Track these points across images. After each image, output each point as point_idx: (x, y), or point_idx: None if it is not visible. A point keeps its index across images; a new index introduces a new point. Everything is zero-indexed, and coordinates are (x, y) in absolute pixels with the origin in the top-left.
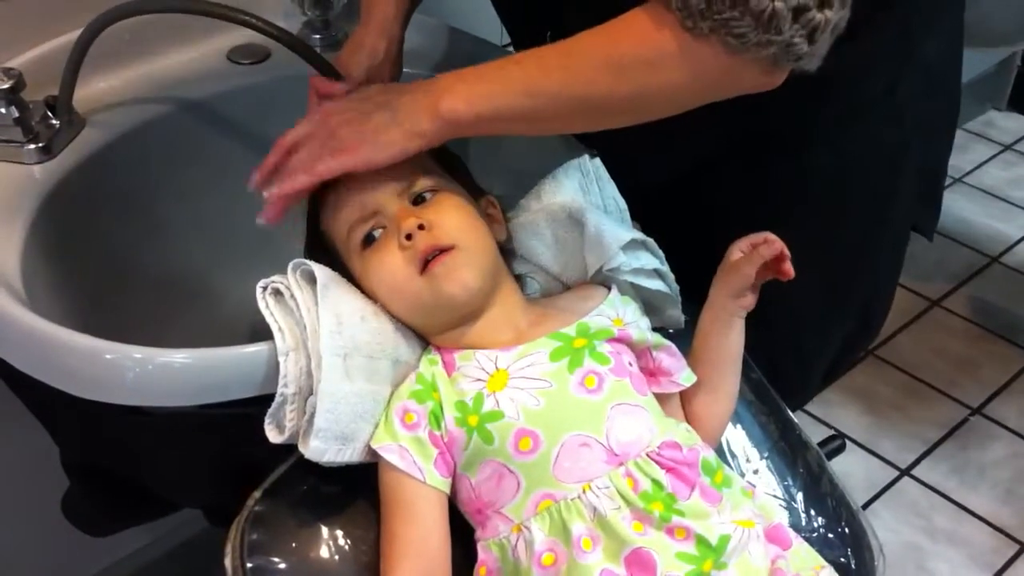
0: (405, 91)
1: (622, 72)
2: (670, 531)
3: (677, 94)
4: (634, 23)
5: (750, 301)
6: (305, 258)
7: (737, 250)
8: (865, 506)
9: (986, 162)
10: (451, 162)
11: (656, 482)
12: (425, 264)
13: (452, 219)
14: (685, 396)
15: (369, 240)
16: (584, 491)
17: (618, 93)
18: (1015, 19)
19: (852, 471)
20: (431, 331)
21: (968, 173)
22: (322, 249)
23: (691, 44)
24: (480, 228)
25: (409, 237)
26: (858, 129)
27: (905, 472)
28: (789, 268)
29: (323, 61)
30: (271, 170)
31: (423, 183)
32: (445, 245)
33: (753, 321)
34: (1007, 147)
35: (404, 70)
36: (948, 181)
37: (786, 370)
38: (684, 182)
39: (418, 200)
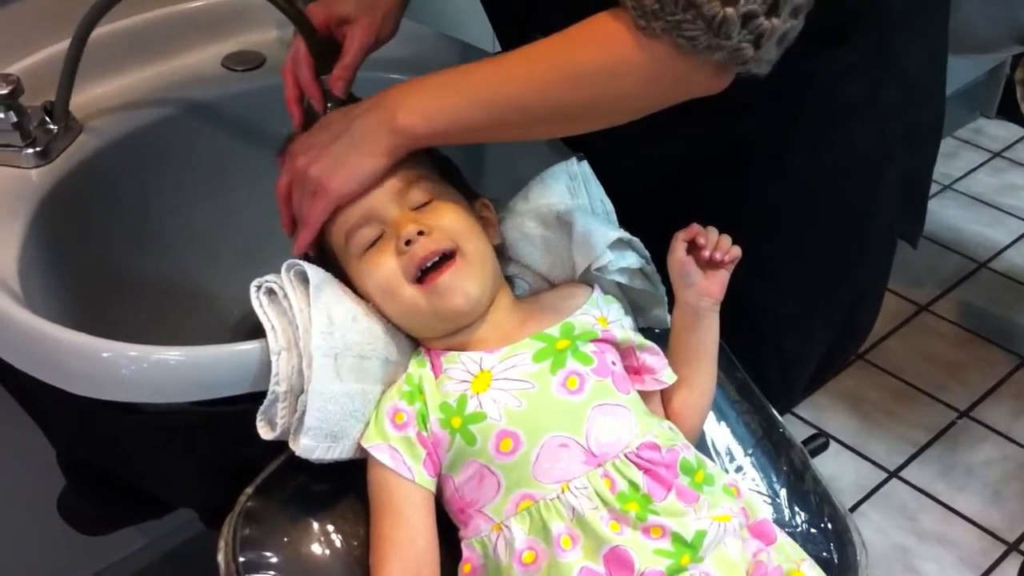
0: (360, 112)
1: (577, 78)
2: (646, 530)
3: (632, 97)
4: (591, 27)
5: (707, 290)
6: (300, 259)
7: (675, 243)
8: (854, 508)
9: (975, 169)
10: (445, 165)
11: (633, 483)
12: (424, 272)
13: (451, 224)
14: (665, 393)
15: (368, 246)
16: (563, 491)
17: (574, 99)
18: (1000, 26)
19: (841, 473)
20: (424, 336)
21: (957, 180)
22: (318, 251)
23: (644, 44)
24: (479, 233)
25: (408, 243)
26: (838, 135)
27: (894, 474)
28: (717, 255)
29: (311, 34)
30: (290, 222)
31: (421, 188)
32: (445, 249)
33: (737, 326)
34: (996, 154)
35: (392, 76)
36: (937, 188)
37: (770, 375)
38: (666, 186)
39: (416, 205)
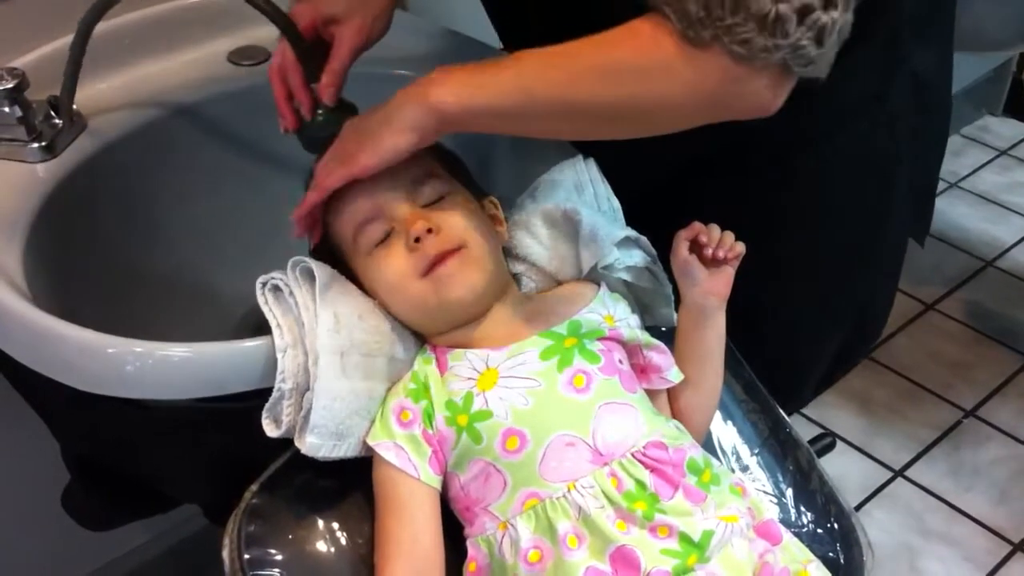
0: (400, 91)
1: (614, 78)
2: (653, 529)
3: (674, 107)
4: (634, 31)
5: (712, 289)
6: (310, 257)
7: (677, 242)
8: (860, 507)
9: (982, 167)
10: (454, 163)
11: (639, 482)
12: (432, 267)
13: (460, 222)
14: (671, 392)
15: (377, 243)
16: (569, 490)
17: (607, 99)
18: (1009, 24)
19: (847, 472)
20: (431, 332)
21: (964, 178)
22: (326, 248)
23: (693, 54)
24: (487, 231)
25: (418, 240)
26: (847, 136)
27: (899, 473)
28: (720, 252)
29: (299, 42)
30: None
31: (431, 186)
32: (452, 248)
33: (747, 328)
34: (1002, 152)
35: (398, 71)
36: (944, 186)
37: (780, 377)
38: (675, 186)
39: (426, 203)
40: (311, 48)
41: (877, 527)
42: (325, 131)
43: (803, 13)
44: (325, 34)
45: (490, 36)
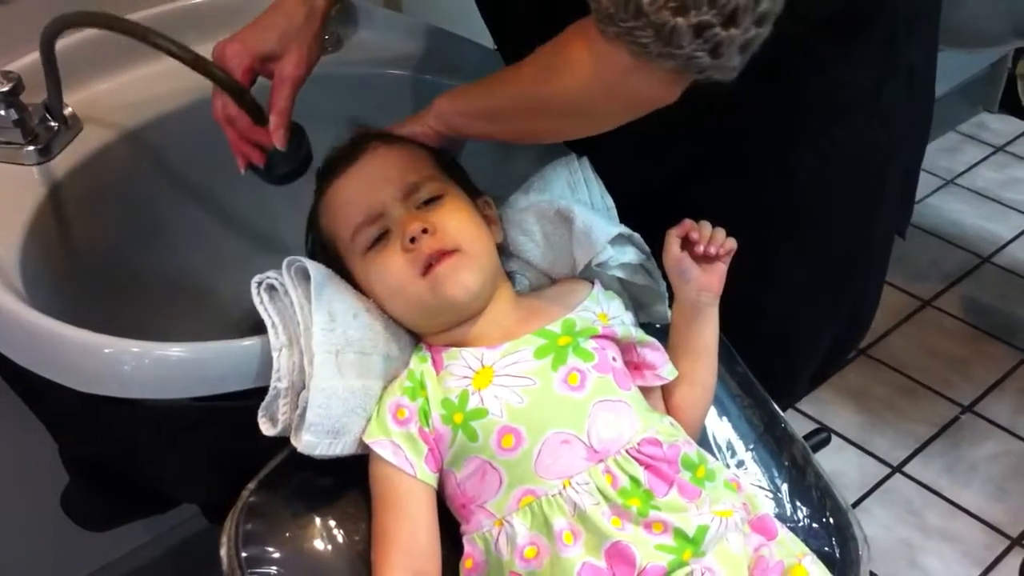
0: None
1: (544, 73)
2: (648, 525)
3: (580, 99)
4: (565, 33)
5: (705, 285)
6: (307, 257)
7: (668, 239)
8: (857, 503)
9: (978, 164)
10: (450, 164)
11: (634, 479)
12: (428, 267)
13: (455, 223)
14: (666, 388)
15: (373, 243)
16: (564, 487)
17: (542, 93)
18: (1002, 19)
19: (845, 469)
20: (426, 331)
21: (960, 175)
22: (321, 248)
23: (600, 48)
24: (482, 232)
25: (413, 240)
26: (843, 131)
27: (897, 469)
28: (711, 249)
29: (244, 97)
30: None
31: (426, 187)
32: (449, 248)
33: (741, 325)
34: (999, 149)
35: (392, 71)
36: (940, 183)
37: (775, 373)
38: (670, 185)
39: (421, 204)
40: (250, 96)
41: (875, 523)
42: (285, 167)
43: (700, 28)
44: (264, 72)
45: (483, 36)
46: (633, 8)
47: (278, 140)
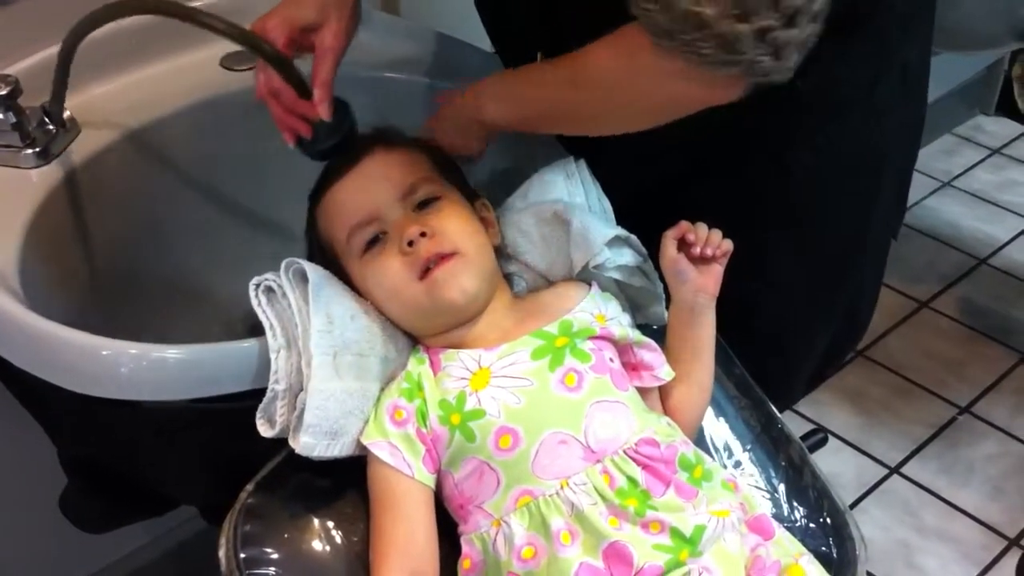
0: (460, 104)
1: (590, 85)
2: (645, 525)
3: (647, 106)
4: (614, 40)
5: (702, 286)
6: (305, 259)
7: (665, 241)
8: (855, 504)
9: (975, 166)
10: (447, 166)
11: (631, 479)
12: (426, 270)
13: (453, 226)
14: (663, 389)
15: (370, 245)
16: (562, 487)
17: (586, 104)
18: (999, 21)
19: (842, 470)
20: (424, 333)
21: (957, 177)
22: (319, 250)
23: (660, 61)
24: (479, 235)
25: (411, 244)
26: (838, 129)
27: (895, 470)
28: (708, 251)
29: (290, 70)
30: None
31: (424, 190)
32: (447, 252)
33: (738, 326)
34: (995, 151)
35: (389, 75)
36: (937, 185)
37: (772, 374)
38: (666, 185)
39: (419, 206)
40: (296, 68)
41: (873, 524)
42: (329, 141)
43: (762, 32)
44: (304, 44)
45: (480, 39)
46: (694, 22)
47: (323, 111)
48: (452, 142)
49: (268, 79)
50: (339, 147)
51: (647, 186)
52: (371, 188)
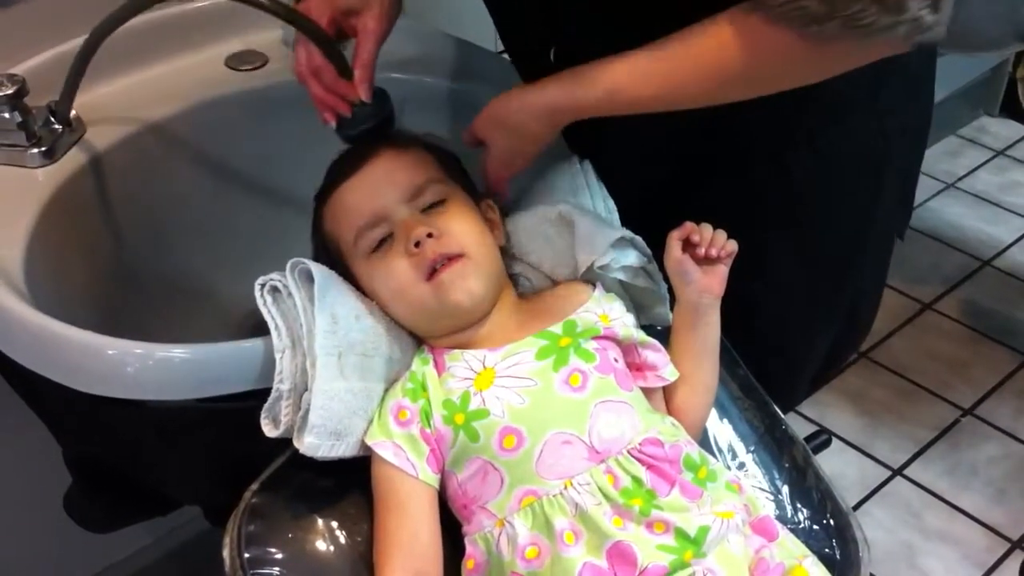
0: (518, 103)
1: (740, 82)
2: (649, 525)
3: (803, 80)
4: (744, 36)
5: (707, 287)
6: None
7: (670, 242)
8: (858, 506)
9: (978, 167)
10: (454, 166)
11: (636, 479)
12: (432, 271)
13: (459, 227)
14: (667, 390)
15: (376, 246)
16: (566, 487)
17: (727, 97)
18: (1003, 23)
19: (845, 471)
20: (429, 335)
21: (961, 178)
22: (324, 251)
23: (816, 48)
24: (486, 236)
25: (418, 245)
26: (840, 133)
27: (898, 472)
28: (712, 251)
29: (332, 47)
30: None
31: (431, 191)
32: (453, 253)
33: (740, 327)
34: (999, 152)
35: (395, 75)
36: (941, 186)
37: (774, 375)
38: (669, 187)
39: (426, 207)
40: (338, 47)
41: (876, 526)
42: (366, 124)
43: None
44: (346, 27)
45: (484, 39)
46: None
47: (364, 92)
48: (504, 145)
49: (310, 57)
50: (375, 131)
51: (649, 187)
52: (379, 190)
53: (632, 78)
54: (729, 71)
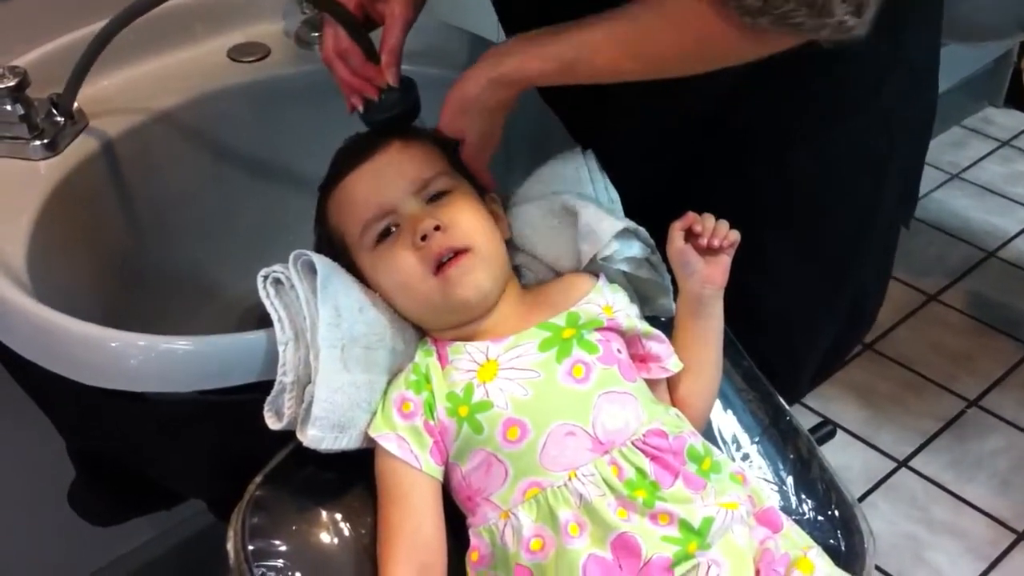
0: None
1: (679, 60)
2: (653, 516)
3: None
4: (691, 19)
5: (709, 277)
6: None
7: (672, 232)
8: (863, 498)
9: (983, 158)
10: (459, 159)
11: (640, 470)
12: (439, 265)
13: (466, 220)
14: (671, 381)
15: (382, 238)
16: (570, 479)
17: (663, 72)
18: (1007, 13)
19: (850, 463)
20: (433, 327)
21: (965, 169)
22: (327, 242)
23: (750, 35)
24: (492, 230)
25: (424, 238)
26: (841, 131)
27: (903, 464)
28: (715, 241)
29: (360, 31)
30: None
31: (437, 183)
32: (460, 247)
33: (742, 322)
34: (1004, 143)
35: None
36: (945, 177)
37: (777, 370)
38: (671, 183)
39: (432, 199)
40: (363, 28)
41: (881, 517)
42: (393, 110)
43: None
44: (373, 12)
45: (487, 31)
46: None
47: (390, 77)
48: (477, 129)
49: (337, 41)
50: (400, 119)
51: (650, 183)
52: (387, 182)
53: (580, 50)
54: (668, 49)
